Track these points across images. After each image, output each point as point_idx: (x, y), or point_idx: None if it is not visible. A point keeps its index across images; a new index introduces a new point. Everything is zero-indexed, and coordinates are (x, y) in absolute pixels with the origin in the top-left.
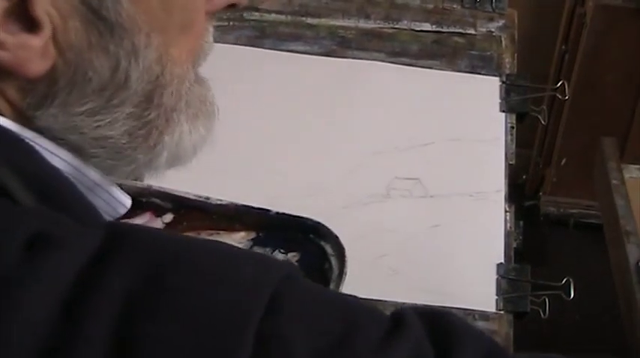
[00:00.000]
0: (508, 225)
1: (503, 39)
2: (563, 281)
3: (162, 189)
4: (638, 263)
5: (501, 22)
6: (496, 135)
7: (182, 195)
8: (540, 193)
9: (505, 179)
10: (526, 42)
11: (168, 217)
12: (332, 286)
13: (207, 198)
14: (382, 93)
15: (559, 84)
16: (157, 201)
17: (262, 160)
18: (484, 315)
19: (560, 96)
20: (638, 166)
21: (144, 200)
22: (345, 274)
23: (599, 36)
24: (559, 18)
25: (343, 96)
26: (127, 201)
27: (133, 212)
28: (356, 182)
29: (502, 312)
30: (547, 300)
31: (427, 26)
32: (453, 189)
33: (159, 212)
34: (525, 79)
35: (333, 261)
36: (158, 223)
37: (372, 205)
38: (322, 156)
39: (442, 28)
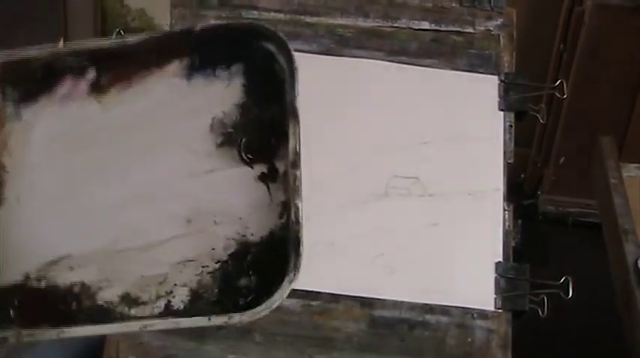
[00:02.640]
0: (507, 223)
1: (501, 37)
2: (562, 280)
3: (73, 47)
4: (636, 261)
5: (500, 21)
6: (495, 134)
7: (95, 46)
8: (539, 192)
9: (504, 178)
10: (525, 40)
11: (91, 74)
12: (286, 86)
13: (123, 41)
14: (381, 91)
15: (557, 82)
16: (72, 60)
17: None
18: (483, 314)
19: (558, 95)
20: (636, 165)
21: (57, 66)
22: (297, 69)
23: (598, 35)
24: (557, 17)
25: (342, 95)
26: None
27: (50, 83)
28: (355, 180)
29: (501, 311)
30: (546, 299)
31: (426, 25)
32: (451, 187)
33: (78, 72)
34: (524, 78)
35: (281, 59)
36: (82, 85)
37: (370, 204)
38: (321, 155)
39: (441, 26)
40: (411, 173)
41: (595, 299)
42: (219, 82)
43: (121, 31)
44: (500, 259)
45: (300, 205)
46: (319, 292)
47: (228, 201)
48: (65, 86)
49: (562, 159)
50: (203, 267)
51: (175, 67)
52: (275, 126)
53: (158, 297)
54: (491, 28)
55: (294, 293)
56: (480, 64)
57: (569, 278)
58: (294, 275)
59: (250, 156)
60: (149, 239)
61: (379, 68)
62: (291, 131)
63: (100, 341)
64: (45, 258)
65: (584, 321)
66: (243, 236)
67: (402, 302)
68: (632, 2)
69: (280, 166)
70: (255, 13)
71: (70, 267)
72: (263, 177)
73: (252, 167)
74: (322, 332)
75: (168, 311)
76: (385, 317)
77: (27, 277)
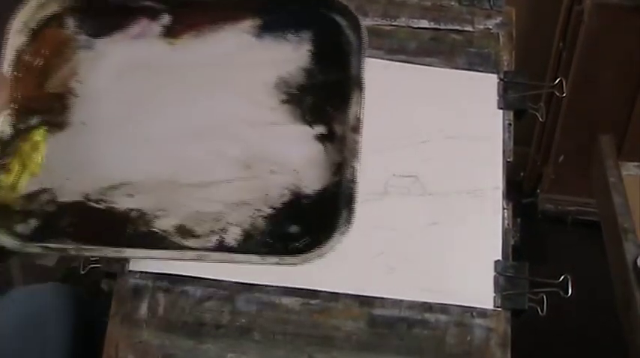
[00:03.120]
0: (506, 222)
1: (501, 36)
2: (561, 279)
3: None
4: (635, 260)
5: (499, 20)
6: (494, 133)
7: None
8: (538, 190)
9: (503, 176)
10: (524, 39)
11: (166, 19)
12: (353, 60)
13: None
14: (380, 90)
15: (557, 81)
16: (149, 3)
17: None
18: (482, 312)
19: (558, 94)
20: (635, 164)
21: (133, 6)
22: (365, 45)
23: (597, 34)
24: (557, 15)
25: None
26: None
27: (125, 21)
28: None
29: (500, 309)
30: (545, 298)
31: (425, 23)
32: (450, 186)
33: (153, 15)
34: (523, 77)
35: (349, 33)
36: (156, 27)
37: (369, 203)
38: None
39: (440, 25)
40: (411, 172)
41: (594, 298)
42: (288, 45)
43: None
44: (500, 258)
45: (357, 166)
46: (318, 291)
47: (285, 153)
48: (139, 26)
49: (561, 158)
50: (257, 210)
51: (247, 24)
52: (338, 92)
53: (211, 232)
54: (491, 27)
55: (294, 292)
56: (479, 62)
57: (569, 277)
58: (346, 228)
59: (311, 117)
60: (207, 177)
61: (378, 67)
62: (354, 99)
63: (99, 339)
64: (105, 181)
65: (583, 320)
66: (297, 187)
67: (402, 300)
68: (631, 1)
69: (339, 129)
70: None
71: (128, 194)
72: (321, 138)
73: (312, 127)
74: (321, 331)
75: (221, 247)
76: (384, 316)
77: (87, 198)
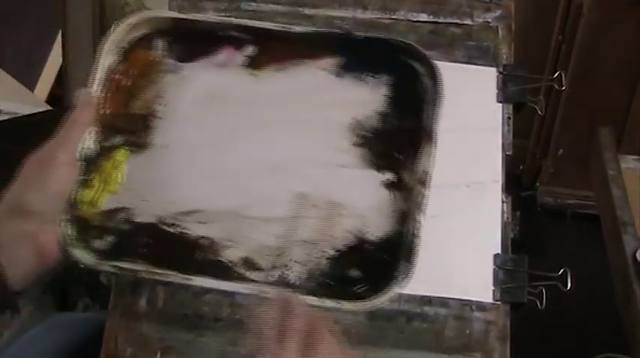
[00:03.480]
0: (505, 215)
1: (500, 29)
2: (561, 272)
3: (239, 22)
4: (635, 253)
5: (498, 13)
6: (493, 126)
7: (261, 25)
8: (537, 184)
9: (502, 169)
10: (523, 32)
11: (250, 49)
12: (427, 109)
13: (289, 27)
14: None
15: (556, 74)
16: (235, 33)
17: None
18: (481, 306)
19: (557, 87)
20: (635, 157)
21: (220, 34)
22: (442, 95)
23: (596, 27)
24: (556, 8)
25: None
26: None
27: (211, 48)
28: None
29: (499, 303)
30: (544, 291)
31: (424, 17)
32: (450, 179)
33: (238, 45)
34: (522, 70)
35: (426, 81)
36: (239, 57)
37: None
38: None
39: (439, 18)
40: None
41: (593, 291)
42: (365, 87)
43: (120, 24)
44: (499, 251)
45: (421, 220)
46: None
47: (353, 197)
48: (224, 54)
49: (561, 151)
50: (321, 251)
51: (328, 62)
52: (409, 140)
53: (274, 267)
54: (490, 20)
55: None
56: (478, 55)
57: (568, 270)
58: (404, 281)
59: (381, 163)
60: (275, 213)
61: None
62: (425, 151)
63: (98, 333)
64: (179, 207)
65: (582, 313)
66: (362, 232)
67: (401, 293)
68: None
69: (406, 178)
70: (253, 5)
71: (200, 221)
72: (389, 184)
73: (381, 172)
74: None
75: (282, 282)
76: (384, 309)
77: (160, 220)
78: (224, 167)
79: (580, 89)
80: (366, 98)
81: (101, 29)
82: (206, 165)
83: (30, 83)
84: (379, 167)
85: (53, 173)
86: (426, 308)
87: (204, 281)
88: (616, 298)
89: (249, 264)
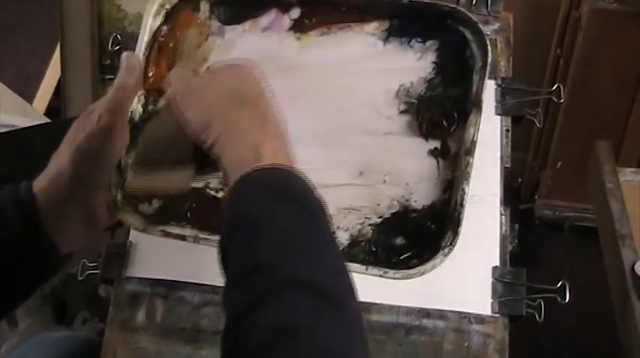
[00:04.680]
0: (504, 228)
1: (498, 42)
2: (559, 285)
3: None
4: (632, 267)
5: (497, 25)
6: (492, 139)
7: None
8: (536, 196)
9: (501, 182)
10: (521, 45)
11: (296, 13)
12: (475, 78)
13: None
14: None
15: (554, 87)
16: None
17: None
18: (479, 318)
19: (555, 100)
20: (633, 169)
21: None
22: (489, 63)
23: (594, 40)
24: (554, 22)
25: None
26: None
27: (257, 11)
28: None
29: (497, 315)
30: (542, 304)
31: None
32: None
33: (284, 8)
34: (521, 83)
35: (474, 48)
36: (285, 20)
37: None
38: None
39: None
40: None
41: (592, 304)
42: (412, 53)
43: (118, 36)
44: (497, 263)
45: (467, 189)
46: None
47: (399, 164)
48: (269, 17)
49: (559, 164)
50: (366, 218)
51: (375, 27)
52: (456, 108)
53: None
54: (489, 33)
55: None
56: None
57: (566, 283)
58: (449, 250)
59: (428, 130)
60: (321, 180)
61: None
62: (472, 120)
63: (96, 347)
64: None
65: (580, 326)
66: (407, 200)
67: (399, 306)
68: (628, 8)
69: (453, 147)
70: None
71: None
72: (435, 152)
73: (427, 140)
74: None
75: None
76: (382, 322)
77: (207, 186)
78: None
79: (578, 102)
80: (413, 65)
81: (99, 42)
82: None
83: (28, 96)
84: (425, 135)
85: (102, 139)
86: (425, 321)
87: None
88: (614, 311)
89: None
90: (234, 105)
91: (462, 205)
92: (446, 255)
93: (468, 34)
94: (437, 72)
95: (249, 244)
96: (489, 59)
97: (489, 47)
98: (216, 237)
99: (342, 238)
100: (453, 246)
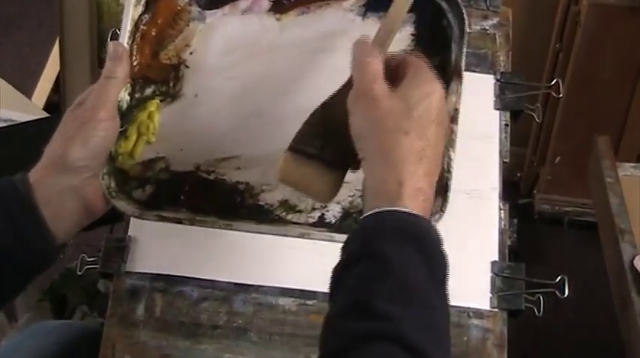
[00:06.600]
0: (503, 222)
1: (497, 37)
2: (558, 280)
3: None
4: (632, 261)
5: (495, 20)
6: (491, 133)
7: None
8: (535, 191)
9: (500, 177)
10: (520, 40)
11: None
12: (454, 45)
13: None
14: None
15: (553, 82)
16: None
17: None
18: (478, 313)
19: (554, 95)
20: (632, 164)
21: None
22: (467, 33)
23: (594, 34)
24: (553, 16)
25: None
26: None
27: None
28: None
29: (496, 310)
30: (541, 298)
31: None
32: None
33: None
34: (520, 77)
35: (451, 17)
36: (264, 2)
37: None
38: None
39: None
40: None
41: (591, 298)
42: None
43: (117, 31)
44: (496, 258)
45: (453, 156)
46: (315, 291)
47: None
48: (248, 0)
49: (558, 159)
50: (356, 189)
51: (352, 3)
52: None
53: (313, 209)
54: (487, 28)
55: (290, 293)
56: (475, 63)
57: (565, 278)
58: (439, 216)
59: None
60: None
61: None
62: (453, 88)
63: (95, 340)
64: (216, 154)
65: (580, 321)
66: None
67: None
68: (628, 2)
69: None
70: None
71: (237, 167)
72: None
73: None
74: (318, 332)
75: (322, 223)
76: None
77: (197, 168)
78: (257, 113)
79: (577, 97)
80: None
81: (98, 36)
82: (239, 112)
83: (27, 90)
84: None
85: (94, 128)
86: None
87: (244, 225)
88: (613, 305)
89: (289, 206)
90: (401, 127)
91: (449, 171)
92: (436, 221)
93: (444, 5)
94: (416, 43)
95: (371, 280)
96: (466, 27)
97: (465, 15)
98: (212, 218)
99: (335, 211)
100: (443, 212)
